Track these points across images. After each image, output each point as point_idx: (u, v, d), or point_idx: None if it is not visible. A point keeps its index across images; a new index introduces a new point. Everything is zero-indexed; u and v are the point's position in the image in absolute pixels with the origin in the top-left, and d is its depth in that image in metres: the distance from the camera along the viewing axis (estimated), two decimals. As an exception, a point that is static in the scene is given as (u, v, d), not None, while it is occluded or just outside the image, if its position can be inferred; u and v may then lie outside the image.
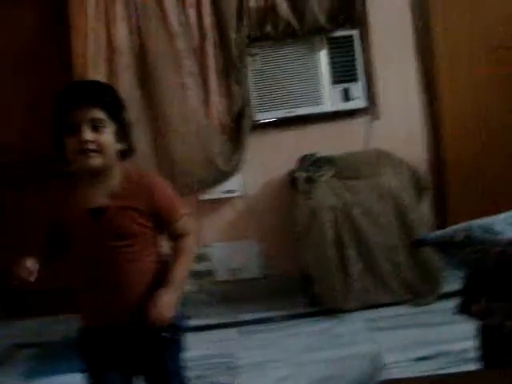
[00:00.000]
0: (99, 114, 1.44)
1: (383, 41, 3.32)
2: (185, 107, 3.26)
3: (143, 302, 1.49)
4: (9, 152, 3.54)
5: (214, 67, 3.27)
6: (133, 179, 1.54)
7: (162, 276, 1.53)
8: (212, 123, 3.30)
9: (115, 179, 1.53)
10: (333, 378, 2.41)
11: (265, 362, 2.65)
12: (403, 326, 2.82)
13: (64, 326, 3.43)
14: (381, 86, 3.34)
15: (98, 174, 1.50)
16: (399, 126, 3.35)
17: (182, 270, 1.54)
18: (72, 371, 2.78)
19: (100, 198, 1.50)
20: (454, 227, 1.68)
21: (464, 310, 1.66)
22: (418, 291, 3.05)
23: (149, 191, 1.52)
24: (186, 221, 1.59)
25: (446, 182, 3.45)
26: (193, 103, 3.26)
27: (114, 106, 1.51)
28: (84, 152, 1.44)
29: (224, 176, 3.36)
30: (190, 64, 3.24)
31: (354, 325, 2.93)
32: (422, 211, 3.25)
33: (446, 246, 1.64)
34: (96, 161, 1.45)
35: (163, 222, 1.56)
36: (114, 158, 1.51)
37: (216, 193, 3.45)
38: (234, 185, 3.44)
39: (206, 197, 3.46)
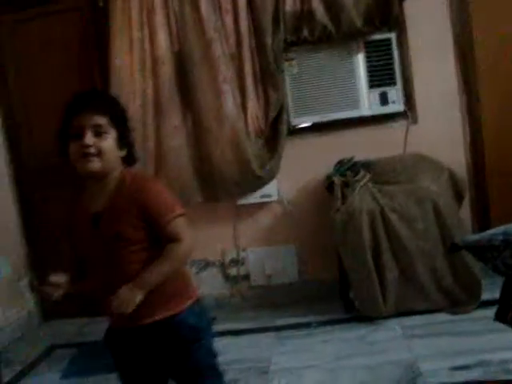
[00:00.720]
0: (101, 120, 1.52)
1: (421, 43, 3.26)
2: (222, 112, 3.28)
3: (148, 303, 1.52)
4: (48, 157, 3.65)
5: (251, 72, 3.29)
6: (126, 183, 1.57)
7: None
8: (248, 128, 3.32)
9: (114, 184, 1.58)
10: (367, 385, 2.38)
11: (299, 368, 2.64)
12: (441, 334, 2.75)
13: (101, 327, 3.50)
14: (419, 90, 3.29)
15: (99, 178, 1.56)
16: (438, 130, 3.29)
17: (155, 271, 1.53)
18: (108, 372, 2.85)
19: (100, 202, 1.56)
20: (492, 231, 1.64)
21: (500, 317, 1.61)
22: (457, 299, 2.97)
23: (140, 194, 1.55)
24: (178, 225, 1.57)
25: (486, 186, 3.37)
26: (229, 108, 3.27)
27: (116, 114, 1.58)
28: (85, 156, 1.50)
29: (260, 181, 3.37)
30: (226, 69, 3.26)
31: (389, 332, 2.88)
32: (461, 216, 3.18)
33: (482, 251, 1.59)
34: (95, 165, 1.52)
35: (155, 226, 1.55)
36: (114, 164, 1.57)
37: (253, 198, 3.47)
38: (270, 189, 3.45)
39: (243, 201, 3.48)
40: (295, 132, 3.37)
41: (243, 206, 3.50)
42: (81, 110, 1.52)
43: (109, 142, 1.53)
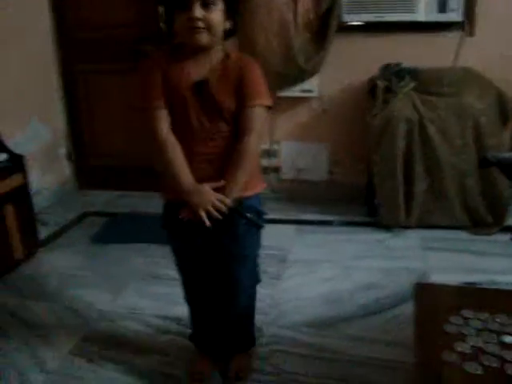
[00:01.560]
0: None
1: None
2: (272, 0, 3.16)
3: (221, 176, 1.57)
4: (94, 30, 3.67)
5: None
6: (232, 59, 1.57)
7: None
8: (297, 19, 3.21)
9: (217, 56, 1.57)
10: (376, 286, 2.48)
11: (314, 261, 2.76)
12: (458, 251, 2.80)
13: (131, 201, 3.68)
14: (482, 1, 3.08)
15: (203, 50, 1.54)
16: (493, 47, 3.10)
17: (240, 176, 1.57)
18: (131, 242, 3.03)
19: (201, 71, 1.55)
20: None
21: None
22: (481, 219, 2.99)
23: (244, 71, 1.56)
24: (258, 113, 1.58)
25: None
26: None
27: None
28: (193, 29, 1.46)
29: (303, 75, 3.31)
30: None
31: (408, 241, 2.95)
32: (504, 137, 3.10)
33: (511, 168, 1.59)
34: (204, 38, 1.48)
35: (241, 103, 1.56)
36: (220, 37, 1.54)
37: (293, 91, 3.42)
38: (311, 85, 3.40)
39: (283, 94, 3.44)
40: (345, 29, 3.23)
41: (282, 98, 3.45)
42: None
43: (217, 14, 1.48)
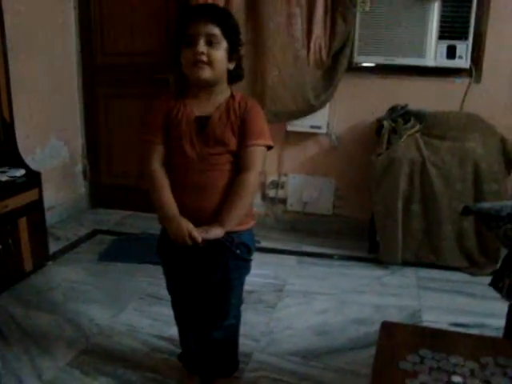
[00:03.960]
0: (214, 30, 1.59)
1: (503, 3, 3.12)
2: (287, 36, 3.29)
3: (218, 209, 1.66)
4: (118, 56, 3.87)
5: (323, 1, 3.24)
6: (236, 99, 1.69)
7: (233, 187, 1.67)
8: (310, 56, 3.33)
9: (222, 96, 1.68)
10: (368, 321, 2.53)
11: (311, 293, 2.83)
12: (452, 291, 2.86)
13: (140, 222, 3.80)
14: (489, 50, 3.18)
15: (207, 86, 1.66)
16: (499, 94, 3.21)
17: (236, 211, 1.64)
18: (137, 262, 3.14)
19: (205, 109, 1.67)
20: (507, 202, 1.70)
21: (494, 284, 1.71)
22: (477, 261, 3.05)
23: (245, 112, 1.66)
24: (259, 152, 1.67)
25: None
26: (295, 33, 3.28)
27: (229, 25, 1.64)
28: (196, 63, 1.59)
29: (311, 109, 3.41)
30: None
31: (404, 279, 3.01)
32: (506, 184, 3.17)
33: (489, 219, 1.67)
34: (206, 73, 1.61)
35: (242, 142, 1.66)
36: (223, 75, 1.66)
37: (302, 126, 3.55)
38: (320, 121, 3.52)
39: (292, 128, 3.58)
40: (355, 69, 3.37)
41: (292, 132, 3.60)
42: (196, 18, 1.59)
43: (220, 52, 1.60)
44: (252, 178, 1.66)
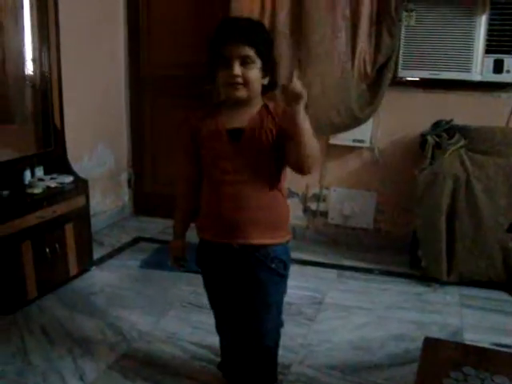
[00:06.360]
0: (249, 52, 1.60)
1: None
2: (332, 49, 3.29)
3: (256, 226, 1.69)
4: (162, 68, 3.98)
5: (368, 14, 3.23)
6: (270, 108, 1.70)
7: (274, 209, 1.72)
8: (354, 69, 3.33)
9: (256, 108, 1.70)
10: (408, 337, 2.50)
11: (350, 307, 2.81)
12: (495, 311, 2.80)
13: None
14: (538, 64, 3.13)
15: (242, 103, 1.68)
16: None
17: (308, 129, 1.56)
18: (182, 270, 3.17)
19: (238, 121, 1.68)
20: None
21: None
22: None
23: (282, 114, 1.67)
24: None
25: None
26: (340, 47, 3.28)
27: (263, 44, 1.65)
28: (232, 85, 1.62)
29: (356, 122, 3.40)
30: (345, 7, 3.24)
31: (447, 296, 2.96)
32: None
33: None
34: (242, 93, 1.64)
35: (286, 139, 1.63)
36: (258, 91, 1.68)
37: (345, 140, 3.55)
38: (364, 135, 3.51)
39: (335, 142, 3.58)
40: (400, 84, 3.36)
41: (335, 146, 3.60)
42: (231, 39, 1.60)
43: (255, 72, 1.62)
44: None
